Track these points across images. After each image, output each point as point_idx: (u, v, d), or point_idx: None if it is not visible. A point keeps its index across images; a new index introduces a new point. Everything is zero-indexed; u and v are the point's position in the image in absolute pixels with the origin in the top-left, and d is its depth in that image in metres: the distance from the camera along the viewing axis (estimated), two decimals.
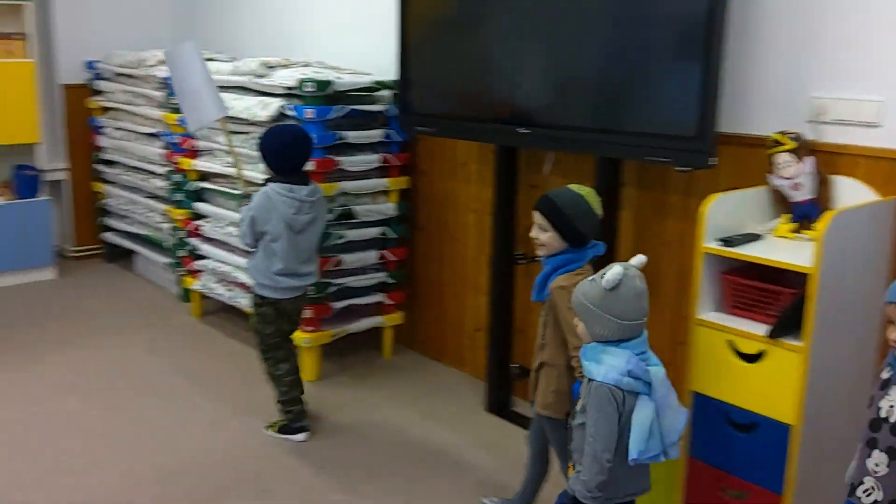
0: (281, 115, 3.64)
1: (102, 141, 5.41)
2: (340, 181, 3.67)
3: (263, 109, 3.65)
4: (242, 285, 4.12)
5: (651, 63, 2.70)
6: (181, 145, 4.42)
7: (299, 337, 3.73)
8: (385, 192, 3.91)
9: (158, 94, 4.73)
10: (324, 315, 3.75)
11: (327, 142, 3.56)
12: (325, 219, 3.23)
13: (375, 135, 3.77)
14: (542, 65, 3.04)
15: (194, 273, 4.51)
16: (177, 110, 4.43)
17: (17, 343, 4.15)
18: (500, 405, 3.57)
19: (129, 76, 5.08)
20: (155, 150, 4.85)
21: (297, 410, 3.24)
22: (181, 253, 4.64)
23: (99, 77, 5.40)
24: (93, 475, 2.94)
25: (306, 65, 3.91)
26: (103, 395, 3.59)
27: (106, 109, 5.43)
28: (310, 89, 3.48)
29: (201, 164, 4.26)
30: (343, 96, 3.64)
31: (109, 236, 5.59)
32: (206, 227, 4.26)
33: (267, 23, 5.00)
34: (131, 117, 5.12)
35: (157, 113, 4.75)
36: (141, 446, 3.16)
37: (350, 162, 3.68)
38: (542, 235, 2.33)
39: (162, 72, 4.59)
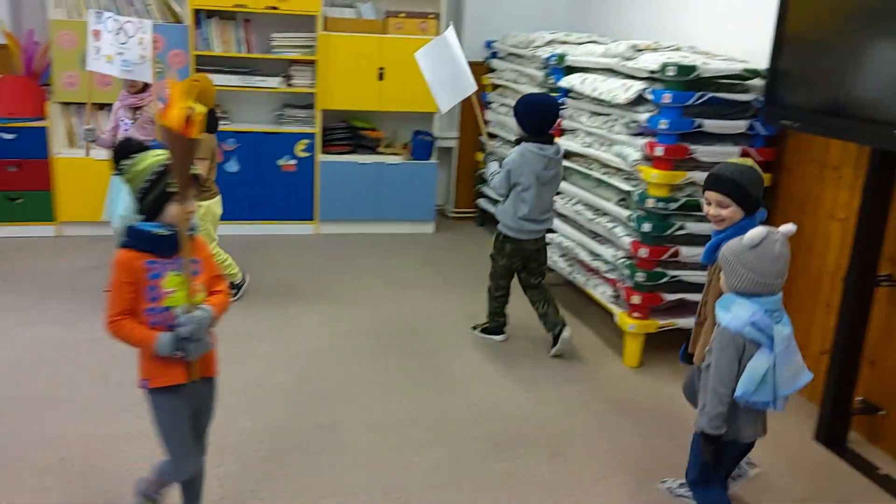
0: (640, 99, 3.74)
1: (489, 115, 6.05)
2: (692, 170, 3.65)
3: (625, 92, 3.79)
4: (582, 263, 4.36)
5: None
6: None
7: (625, 322, 3.85)
8: None
9: (539, 73, 5.14)
10: (653, 304, 3.79)
11: (682, 128, 3.57)
12: (561, 176, 3.90)
13: (738, 125, 3.65)
14: None
15: None
16: (554, 90, 4.80)
17: (392, 280, 4.95)
18: (832, 438, 3.27)
19: (518, 55, 5.60)
20: None
21: (501, 321, 4.13)
22: None
23: (494, 55, 6.05)
24: (405, 398, 3.45)
25: (676, 49, 3.93)
26: (424, 338, 4.14)
27: (496, 86, 6.06)
28: (671, 74, 3.52)
29: (563, 142, 4.55)
30: (708, 83, 3.60)
31: (482, 203, 6.26)
32: (559, 203, 4.57)
33: (649, 7, 5.09)
34: (513, 94, 5.65)
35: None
36: (457, 387, 3.59)
37: (705, 151, 3.63)
38: (724, 211, 2.52)
39: (545, 52, 4.99)
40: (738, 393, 2.23)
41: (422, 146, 5.96)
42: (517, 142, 3.81)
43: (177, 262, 2.13)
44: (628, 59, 3.91)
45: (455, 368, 3.79)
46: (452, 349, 4.00)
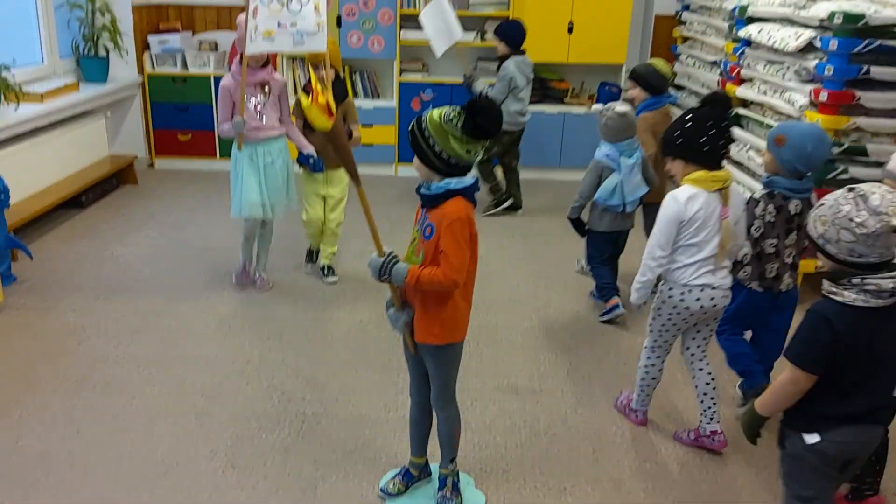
0: (811, 46, 4.01)
1: (677, 67, 6.39)
2: (857, 116, 3.89)
3: (795, 40, 4.08)
4: None
5: None
6: (731, 73, 5.08)
7: None
8: None
9: (726, 24, 5.43)
10: None
11: (848, 75, 3.81)
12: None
13: None
14: None
15: None
16: (735, 40, 5.11)
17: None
18: None
19: (707, 8, 5.89)
20: (713, 77, 5.61)
21: (499, 197, 5.73)
22: None
23: (686, 8, 6.36)
24: (560, 310, 4.05)
25: None
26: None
27: (685, 39, 6.38)
28: (839, 22, 3.77)
29: (742, 91, 4.87)
30: (880, 31, 3.80)
31: None
32: (733, 150, 4.89)
33: None
34: (701, 46, 5.96)
35: (721, 43, 5.47)
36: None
37: (872, 98, 3.85)
38: (633, 91, 4.18)
39: (732, 4, 5.28)
40: (595, 196, 3.82)
41: (608, 97, 6.42)
42: (502, 58, 5.32)
43: (424, 218, 2.27)
44: (801, 7, 4.18)
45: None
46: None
